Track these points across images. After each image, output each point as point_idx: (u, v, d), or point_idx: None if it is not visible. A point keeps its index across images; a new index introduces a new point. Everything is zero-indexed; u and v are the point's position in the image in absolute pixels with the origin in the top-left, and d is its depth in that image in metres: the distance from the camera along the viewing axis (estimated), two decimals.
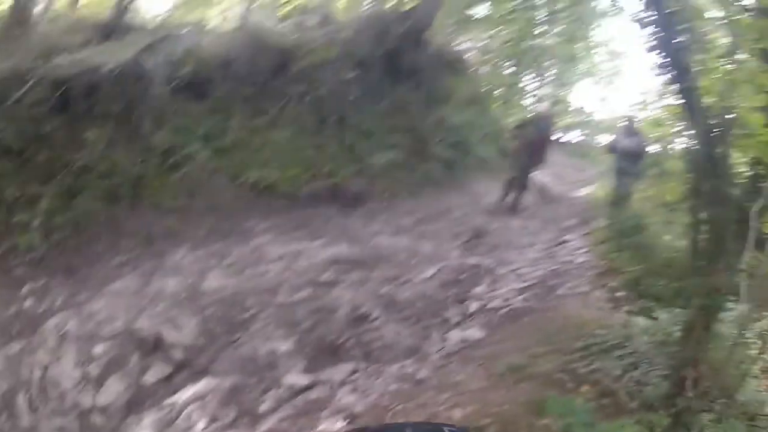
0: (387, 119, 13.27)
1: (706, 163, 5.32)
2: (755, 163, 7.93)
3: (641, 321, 7.73)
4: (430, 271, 9.47)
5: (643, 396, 5.61)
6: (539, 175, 18.34)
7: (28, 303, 8.03)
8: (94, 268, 8.54)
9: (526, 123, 14.60)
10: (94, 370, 6.90)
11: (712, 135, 5.43)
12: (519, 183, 13.87)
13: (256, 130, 10.84)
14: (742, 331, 5.91)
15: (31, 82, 8.95)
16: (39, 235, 8.64)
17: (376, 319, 8.04)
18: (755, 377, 7.34)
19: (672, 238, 11.23)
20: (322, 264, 9.00)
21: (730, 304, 6.44)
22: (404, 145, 13.28)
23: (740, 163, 8.39)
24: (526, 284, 9.48)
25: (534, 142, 13.58)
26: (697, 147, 5.44)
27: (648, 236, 11.03)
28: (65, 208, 8.86)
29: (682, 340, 5.59)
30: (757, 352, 6.42)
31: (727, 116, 5.63)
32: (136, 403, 6.73)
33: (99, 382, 6.83)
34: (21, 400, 6.81)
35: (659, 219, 12.37)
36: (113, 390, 6.75)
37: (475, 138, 16.57)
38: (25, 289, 8.18)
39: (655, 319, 7.88)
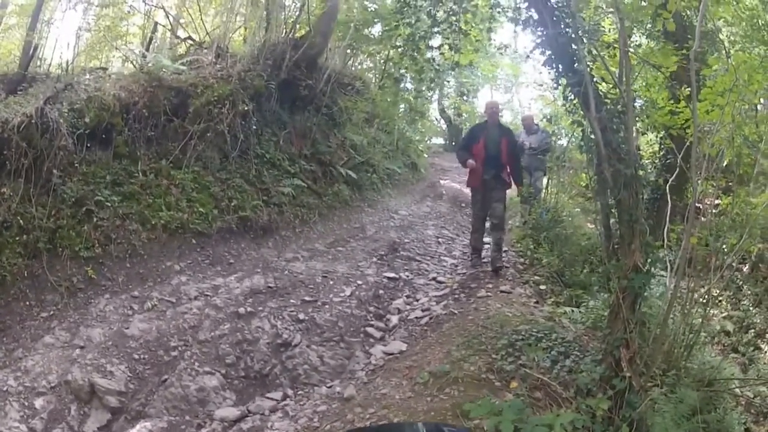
0: (289, 147, 13.59)
1: (607, 149, 5.61)
2: (665, 138, 8.39)
3: (568, 310, 8.22)
4: (348, 291, 9.83)
5: (577, 383, 5.85)
6: (451, 183, 18.87)
7: None
8: (25, 325, 8.60)
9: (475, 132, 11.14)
10: (38, 424, 7.04)
11: (610, 121, 5.78)
12: (490, 226, 10.94)
13: (161, 171, 10.98)
14: (674, 304, 6.21)
15: None
16: None
17: (298, 344, 8.34)
18: (705, 344, 7.87)
19: (590, 226, 11.89)
20: (240, 296, 9.26)
21: (662, 279, 6.96)
22: (309, 171, 13.66)
23: (653, 142, 8.87)
24: (445, 291, 9.93)
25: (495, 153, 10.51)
26: (595, 135, 5.69)
27: (565, 227, 11.71)
28: None
29: (609, 322, 5.73)
30: (700, 320, 6.90)
31: (625, 100, 5.91)
32: None
33: None
34: None
35: (574, 209, 13.04)
36: None
37: (379, 155, 17.01)
38: None
39: (582, 307, 8.41)
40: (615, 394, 5.15)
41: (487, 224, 11.01)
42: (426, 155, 22.83)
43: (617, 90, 6.10)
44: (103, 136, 10.79)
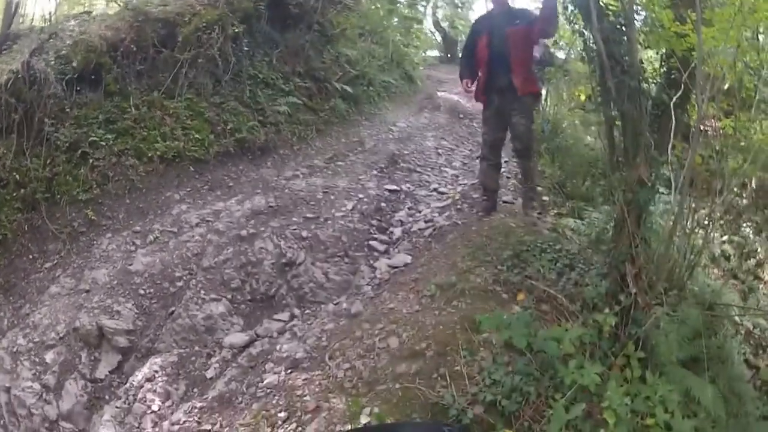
0: (283, 66, 12.91)
1: (610, 60, 5.25)
2: (668, 57, 7.98)
3: (571, 222, 7.83)
4: (350, 205, 9.34)
5: (583, 297, 5.56)
6: (448, 95, 18.31)
7: None
8: (30, 279, 8.37)
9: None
10: (50, 379, 6.81)
11: (612, 32, 5.39)
12: (513, 151, 8.49)
13: (153, 103, 10.46)
14: (678, 222, 5.87)
15: None
16: None
17: (302, 262, 7.96)
18: (705, 266, 7.62)
19: (590, 138, 11.30)
20: (242, 219, 8.83)
21: (663, 197, 6.58)
22: (304, 88, 13.01)
23: (654, 59, 8.42)
24: (447, 202, 9.42)
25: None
26: (598, 45, 5.33)
27: (566, 138, 11.04)
28: None
29: (614, 236, 5.54)
30: (701, 241, 6.46)
31: (628, 12, 5.53)
32: (96, 399, 6.69)
33: (57, 389, 6.75)
34: None
35: (575, 121, 12.41)
36: (72, 393, 6.67)
37: (375, 68, 16.28)
38: None
39: (585, 219, 8.03)
40: (621, 311, 4.98)
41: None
42: (422, 67, 21.98)
43: (618, 2, 5.60)
44: (92, 77, 10.34)
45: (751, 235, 10.17)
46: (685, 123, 7.10)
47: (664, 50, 8.08)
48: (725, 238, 9.31)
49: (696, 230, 6.57)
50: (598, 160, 9.93)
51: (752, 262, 9.66)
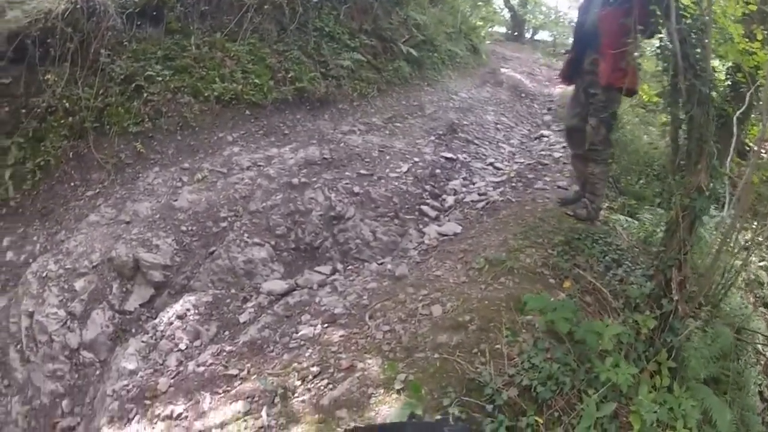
0: (350, 22, 12.57)
1: (684, 62, 4.98)
2: (735, 70, 7.66)
3: (622, 219, 7.60)
4: (404, 167, 9.06)
5: (627, 295, 5.46)
6: (511, 72, 17.98)
7: (9, 255, 7.76)
8: (69, 206, 8.20)
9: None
10: (77, 306, 6.62)
11: (689, 35, 5.12)
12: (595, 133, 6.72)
13: (215, 44, 10.24)
14: (727, 239, 5.76)
15: None
16: (12, 185, 8.37)
17: (351, 218, 7.70)
18: (740, 288, 7.40)
19: (649, 138, 10.96)
20: (294, 167, 8.57)
21: (713, 211, 6.43)
22: (369, 46, 12.67)
23: (719, 70, 8.10)
24: (502, 178, 9.18)
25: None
26: (674, 45, 5.00)
27: (626, 134, 10.64)
28: (34, 154, 8.53)
29: (666, 240, 5.33)
30: (741, 263, 6.40)
31: (704, 18, 5.24)
32: (122, 331, 6.47)
33: (83, 318, 6.57)
34: (13, 353, 6.63)
35: (636, 118, 12.03)
36: (98, 323, 6.48)
37: (442, 36, 15.90)
38: (4, 242, 7.90)
39: (636, 217, 7.89)
40: (660, 315, 4.94)
41: None
42: (488, 42, 21.57)
43: (695, 7, 5.35)
44: (154, 13, 10.19)
45: None
46: (741, 140, 6.88)
47: (730, 63, 7.77)
48: (762, 263, 8.89)
49: (736, 250, 6.42)
50: (655, 161, 9.72)
51: None
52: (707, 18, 5.24)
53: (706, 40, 5.22)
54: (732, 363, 5.51)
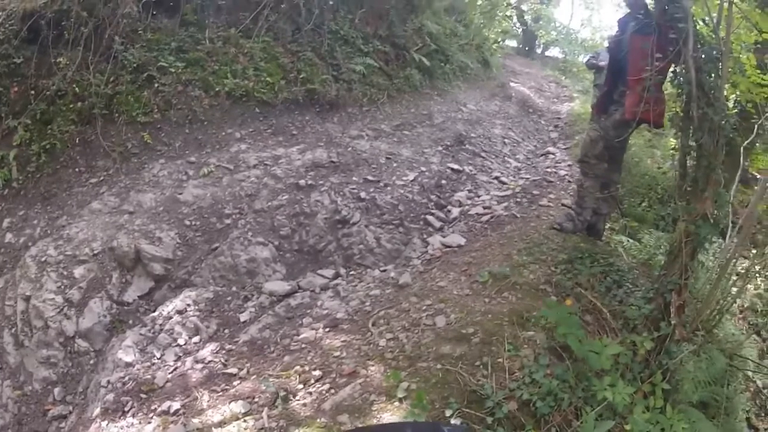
0: (365, 26, 12.57)
1: (698, 90, 5.03)
2: (746, 100, 7.73)
3: (624, 240, 7.63)
4: (411, 176, 9.05)
5: (625, 316, 5.53)
6: (520, 87, 18.00)
7: (8, 237, 7.74)
8: (72, 191, 8.18)
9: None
10: (75, 294, 6.60)
11: (705, 63, 5.16)
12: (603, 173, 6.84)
13: (229, 40, 10.24)
14: (727, 267, 5.86)
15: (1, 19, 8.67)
16: (16, 167, 8.37)
17: (356, 223, 7.69)
18: (734, 315, 7.61)
19: (653, 161, 10.99)
20: (301, 169, 8.56)
21: (714, 237, 6.35)
22: (382, 52, 12.66)
23: (728, 99, 8.15)
24: (507, 193, 9.18)
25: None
26: (689, 72, 5.06)
27: (631, 156, 10.64)
28: (40, 136, 8.51)
29: (667, 264, 5.37)
30: (737, 290, 6.51)
31: (722, 47, 5.28)
32: (119, 322, 6.46)
33: (81, 305, 6.54)
34: (6, 337, 6.61)
35: (642, 141, 12.06)
36: (95, 312, 6.47)
37: (455, 47, 15.89)
38: (5, 223, 7.90)
39: (637, 239, 7.91)
40: (657, 338, 4.99)
41: None
42: (499, 55, 21.56)
43: (712, 35, 5.47)
44: (171, 3, 10.24)
45: None
46: (745, 169, 6.94)
47: (739, 91, 7.84)
48: (757, 291, 8.95)
49: (734, 277, 6.52)
50: (658, 184, 9.76)
51: None
52: (723, 48, 5.27)
53: (722, 70, 5.26)
54: (723, 388, 5.58)
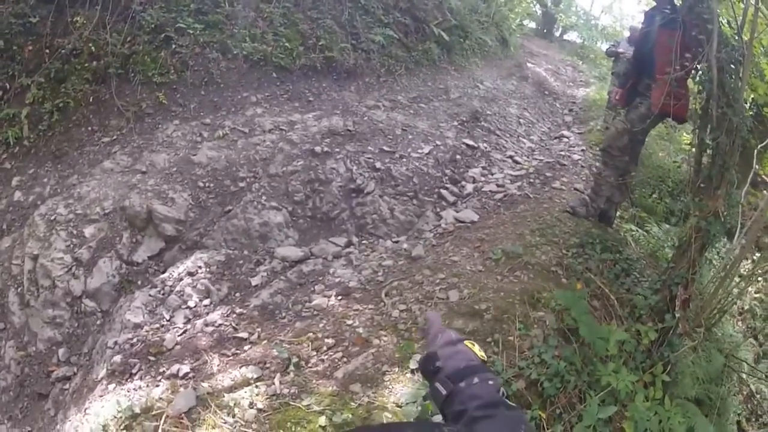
0: None
1: (719, 89, 5.07)
2: (764, 103, 7.71)
3: (633, 229, 7.71)
4: (426, 149, 9.01)
5: (632, 305, 5.60)
6: (537, 68, 17.88)
7: (17, 195, 7.62)
8: (84, 150, 8.05)
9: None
10: (84, 253, 6.50)
11: (728, 64, 5.19)
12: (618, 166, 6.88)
13: (249, 3, 10.12)
14: (734, 266, 5.87)
15: None
16: (27, 125, 8.24)
17: (371, 192, 7.65)
18: (733, 316, 7.71)
19: (666, 154, 10.94)
20: (317, 135, 8.47)
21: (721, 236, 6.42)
22: (402, 24, 12.55)
23: (746, 101, 8.09)
24: (521, 173, 9.16)
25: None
26: (711, 71, 5.07)
27: (644, 147, 10.64)
28: (53, 95, 8.40)
29: (675, 257, 5.50)
30: (738, 291, 6.49)
31: (744, 50, 5.32)
32: (128, 282, 6.37)
33: (89, 265, 6.44)
34: (12, 296, 6.51)
35: (655, 133, 12.00)
36: (104, 272, 6.37)
37: (474, 24, 15.81)
38: (14, 182, 7.79)
39: (645, 229, 8.01)
40: (661, 329, 5.09)
41: None
42: (518, 35, 21.38)
43: (735, 38, 5.48)
44: None
45: None
46: (755, 171, 6.91)
47: (752, 96, 7.78)
48: (758, 295, 8.91)
49: (737, 279, 6.45)
50: (669, 177, 9.84)
51: None
52: (746, 51, 5.29)
53: (743, 72, 5.30)
54: (718, 388, 5.64)
